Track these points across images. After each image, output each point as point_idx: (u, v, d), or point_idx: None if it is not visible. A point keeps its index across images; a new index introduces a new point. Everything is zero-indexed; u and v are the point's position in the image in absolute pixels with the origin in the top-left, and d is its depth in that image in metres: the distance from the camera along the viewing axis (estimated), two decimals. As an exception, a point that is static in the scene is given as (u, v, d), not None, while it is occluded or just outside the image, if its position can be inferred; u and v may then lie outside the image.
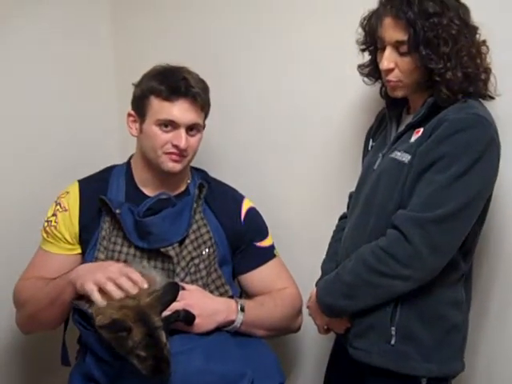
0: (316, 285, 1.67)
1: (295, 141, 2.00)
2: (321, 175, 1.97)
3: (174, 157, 1.74)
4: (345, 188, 1.82)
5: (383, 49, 1.54)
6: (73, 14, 2.14)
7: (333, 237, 1.78)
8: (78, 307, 1.60)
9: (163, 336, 1.49)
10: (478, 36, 1.53)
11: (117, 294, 1.51)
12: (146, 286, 1.55)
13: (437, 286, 1.50)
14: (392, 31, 1.50)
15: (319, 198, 1.97)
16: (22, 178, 2.03)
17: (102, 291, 1.54)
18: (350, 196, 1.78)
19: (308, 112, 1.96)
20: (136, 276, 1.55)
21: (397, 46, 1.51)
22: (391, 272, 1.47)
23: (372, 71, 1.66)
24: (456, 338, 1.55)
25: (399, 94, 1.58)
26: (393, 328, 1.51)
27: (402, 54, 1.51)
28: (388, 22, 1.51)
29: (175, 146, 1.72)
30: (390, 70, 1.54)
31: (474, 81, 1.50)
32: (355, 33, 1.64)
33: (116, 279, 1.53)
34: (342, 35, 1.78)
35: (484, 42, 1.53)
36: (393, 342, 1.51)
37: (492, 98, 1.56)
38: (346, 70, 1.77)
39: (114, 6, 2.24)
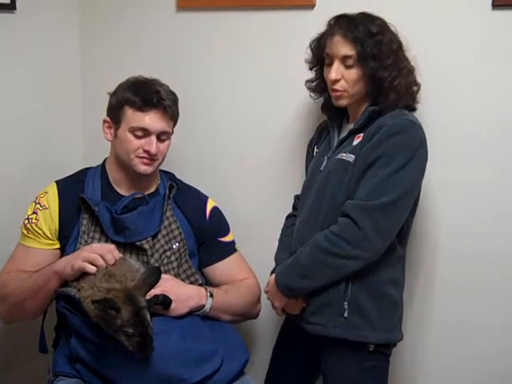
0: (272, 273, 1.88)
1: (249, 150, 2.22)
2: (270, 181, 2.21)
3: (145, 160, 1.90)
4: (290, 191, 2.05)
5: (330, 64, 1.79)
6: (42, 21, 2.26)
7: (282, 233, 1.99)
8: (64, 293, 1.74)
9: (148, 315, 1.66)
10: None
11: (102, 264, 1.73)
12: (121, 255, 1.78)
13: (380, 266, 1.75)
14: (341, 47, 1.75)
15: (269, 200, 2.20)
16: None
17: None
18: (296, 197, 2.01)
19: (259, 124, 2.19)
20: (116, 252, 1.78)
21: (344, 60, 1.76)
22: (343, 253, 1.70)
23: (317, 86, 1.91)
24: (395, 311, 1.81)
25: (343, 102, 1.81)
26: (345, 303, 1.74)
27: (347, 67, 1.76)
28: (337, 39, 1.76)
29: (146, 151, 1.89)
30: (337, 81, 1.78)
31: (412, 89, 1.79)
32: (304, 53, 1.89)
33: (102, 254, 1.73)
34: (290, 54, 2.05)
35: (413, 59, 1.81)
36: (346, 314, 1.74)
37: (415, 109, 1.83)
38: (295, 87, 2.02)
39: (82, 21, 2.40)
